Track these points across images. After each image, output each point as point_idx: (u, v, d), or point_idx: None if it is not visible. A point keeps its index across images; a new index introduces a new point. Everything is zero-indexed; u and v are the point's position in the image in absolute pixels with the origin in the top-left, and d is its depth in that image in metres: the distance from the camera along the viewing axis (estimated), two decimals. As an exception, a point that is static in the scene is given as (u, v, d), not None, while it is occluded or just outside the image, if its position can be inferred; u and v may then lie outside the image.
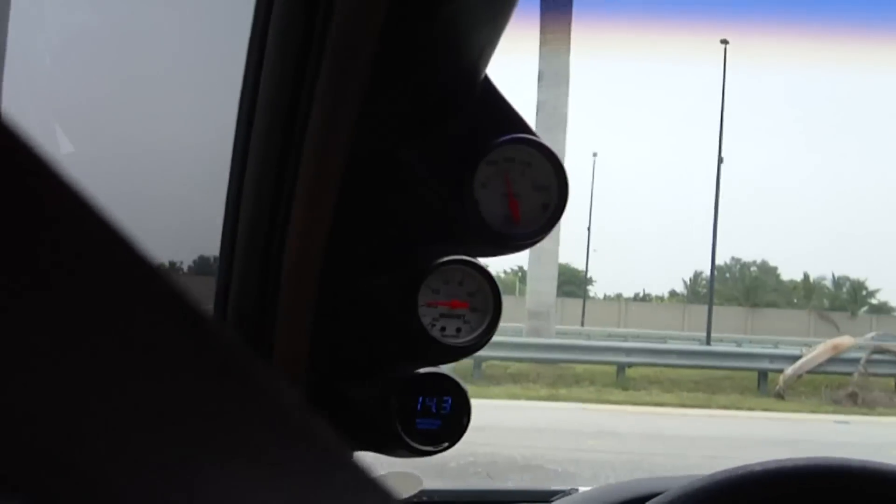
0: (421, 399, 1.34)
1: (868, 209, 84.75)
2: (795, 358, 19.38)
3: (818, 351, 19.34)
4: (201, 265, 1.51)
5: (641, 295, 71.87)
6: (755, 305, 64.02)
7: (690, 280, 70.26)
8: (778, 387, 18.46)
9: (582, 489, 1.86)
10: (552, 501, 1.89)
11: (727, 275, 72.90)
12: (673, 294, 72.20)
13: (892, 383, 18.88)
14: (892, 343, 20.44)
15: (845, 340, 20.37)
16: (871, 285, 68.24)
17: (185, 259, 1.67)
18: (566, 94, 20.96)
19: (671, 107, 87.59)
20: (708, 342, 29.20)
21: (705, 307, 34.74)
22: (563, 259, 36.11)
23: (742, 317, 57.60)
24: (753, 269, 74.94)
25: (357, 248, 1.33)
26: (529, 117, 1.40)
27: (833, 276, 70.17)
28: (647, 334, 32.94)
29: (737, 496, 1.38)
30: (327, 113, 1.11)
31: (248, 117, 1.28)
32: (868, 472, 1.41)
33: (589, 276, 62.75)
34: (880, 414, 16.39)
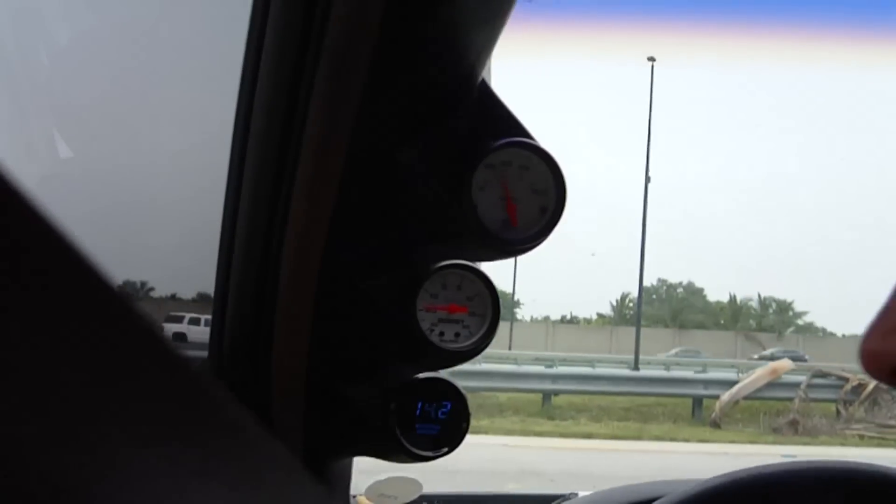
0: (420, 404, 1.35)
1: (793, 231, 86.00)
2: (731, 383, 18.90)
3: (756, 375, 18.78)
4: (200, 267, 1.49)
5: (569, 317, 72.54)
6: (682, 327, 64.89)
7: (618, 301, 71.13)
8: (714, 414, 17.87)
9: (582, 493, 1.86)
10: None
11: (654, 296, 73.98)
12: (600, 316, 72.93)
13: (834, 409, 18.24)
14: (833, 366, 20.00)
15: (784, 364, 20.00)
16: (797, 307, 69.86)
17: (183, 260, 1.65)
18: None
19: (599, 125, 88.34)
20: (636, 366, 28.85)
21: (633, 329, 34.94)
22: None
23: (670, 338, 58.28)
24: (680, 290, 76.04)
25: (355, 252, 1.32)
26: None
27: (759, 296, 71.59)
28: (574, 358, 32.84)
29: (737, 500, 1.38)
30: (325, 114, 1.11)
31: (246, 118, 1.28)
32: (873, 473, 1.41)
33: (516, 298, 63.23)
34: (824, 443, 15.81)
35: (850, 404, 17.90)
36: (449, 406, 1.36)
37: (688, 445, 14.83)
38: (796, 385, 18.41)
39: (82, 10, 1.95)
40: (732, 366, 32.63)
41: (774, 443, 15.43)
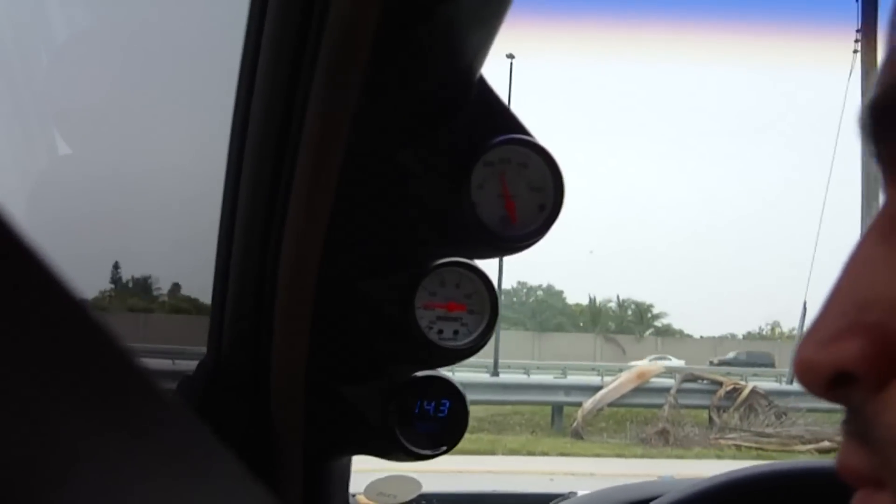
0: (419, 403, 1.35)
1: (650, 233, 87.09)
2: (595, 388, 17.28)
3: (622, 380, 17.26)
4: (198, 266, 1.48)
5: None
6: (543, 329, 65.13)
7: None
8: (575, 423, 16.43)
9: (581, 493, 1.87)
10: None
11: (514, 299, 74.27)
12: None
13: (706, 416, 16.91)
14: (704, 370, 19.45)
15: (651, 368, 18.83)
16: (656, 309, 71.10)
17: (182, 262, 1.64)
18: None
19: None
20: (495, 370, 27.12)
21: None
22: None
23: (529, 341, 58.27)
24: (539, 292, 76.35)
25: (354, 251, 1.33)
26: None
27: (618, 298, 72.42)
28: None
29: (734, 499, 1.39)
30: (323, 114, 1.10)
31: (244, 119, 1.28)
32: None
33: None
34: (698, 455, 14.42)
35: (724, 411, 16.87)
36: (448, 404, 1.37)
37: (545, 461, 13.09)
38: (665, 390, 17.23)
39: (81, 9, 1.95)
40: (593, 369, 32.63)
41: (643, 456, 14.26)
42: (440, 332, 1.31)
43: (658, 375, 18.05)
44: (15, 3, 1.90)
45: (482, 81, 1.21)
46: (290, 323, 1.26)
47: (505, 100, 1.23)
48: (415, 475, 1.81)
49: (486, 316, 1.33)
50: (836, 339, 0.48)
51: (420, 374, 1.37)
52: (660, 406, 16.73)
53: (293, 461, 1.35)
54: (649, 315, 71.10)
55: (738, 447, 15.10)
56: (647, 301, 71.79)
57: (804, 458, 13.42)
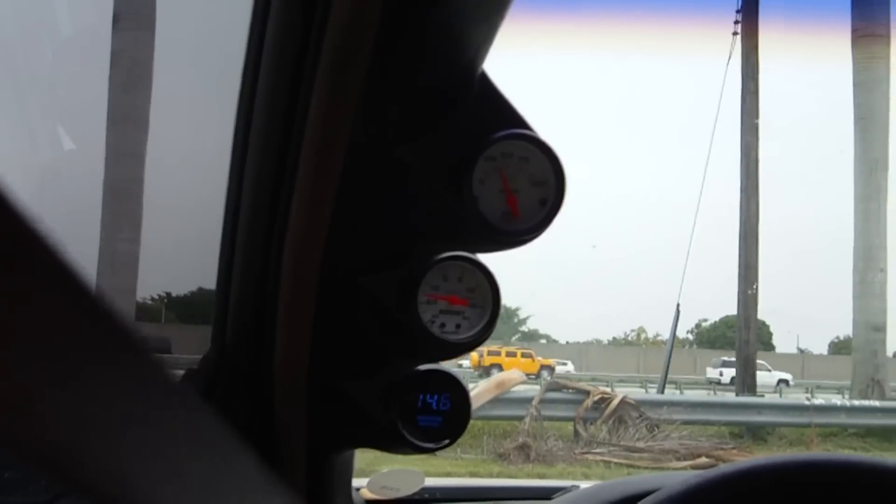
0: (422, 396, 1.36)
1: None
2: None
3: (479, 389, 15.44)
4: (201, 264, 1.49)
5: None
6: None
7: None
8: None
9: (583, 486, 1.88)
10: (553, 498, 1.88)
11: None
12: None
13: (571, 429, 15.43)
14: (570, 379, 18.29)
15: (513, 375, 16.89)
16: (522, 313, 70.79)
17: (185, 254, 1.64)
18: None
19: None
20: None
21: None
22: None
23: None
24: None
25: (357, 246, 1.32)
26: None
27: None
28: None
29: (734, 491, 1.38)
30: (326, 110, 1.10)
31: (247, 114, 1.28)
32: (866, 466, 1.42)
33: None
34: (561, 473, 12.65)
35: (592, 423, 15.31)
36: (450, 398, 1.38)
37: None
38: (527, 401, 15.54)
39: (86, 6, 1.90)
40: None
41: (500, 474, 12.62)
42: (442, 325, 1.30)
43: (520, 384, 16.53)
44: (20, 1, 1.90)
45: (484, 76, 1.21)
46: (293, 318, 1.27)
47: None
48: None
49: (488, 310, 1.33)
50: None
51: (422, 367, 1.38)
52: (520, 418, 15.18)
53: (296, 455, 1.35)
54: (515, 319, 70.83)
55: (607, 463, 13.59)
56: (513, 305, 70.89)
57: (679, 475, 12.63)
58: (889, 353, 25.47)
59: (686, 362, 49.05)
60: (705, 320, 77.67)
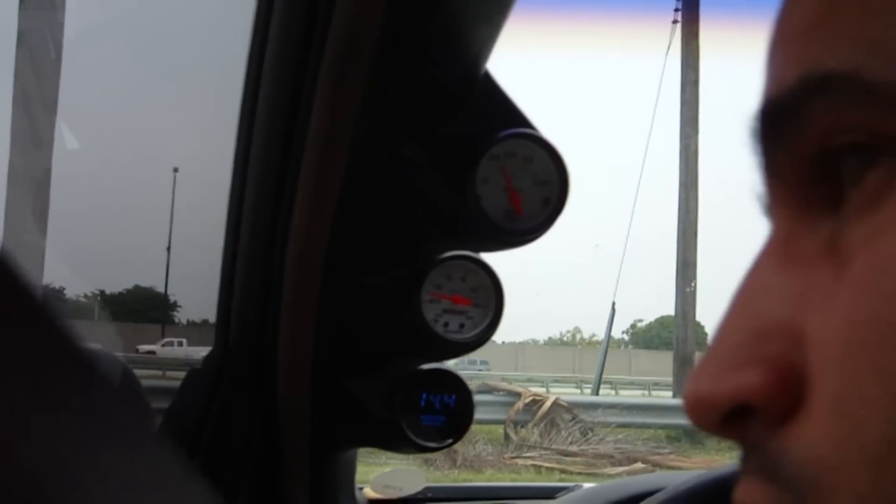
0: (425, 395, 1.36)
1: None
2: None
3: None
4: (204, 261, 1.50)
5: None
6: None
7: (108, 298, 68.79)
8: None
9: (586, 486, 1.88)
10: (557, 497, 1.89)
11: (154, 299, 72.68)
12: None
13: (501, 432, 14.68)
14: (499, 381, 17.28)
15: None
16: None
17: (188, 252, 1.64)
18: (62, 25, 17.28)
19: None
20: None
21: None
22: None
23: None
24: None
25: (360, 245, 1.33)
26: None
27: None
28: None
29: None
30: (329, 109, 1.10)
31: (251, 113, 1.28)
32: None
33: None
34: (491, 479, 11.75)
35: (523, 426, 14.56)
36: (453, 397, 1.38)
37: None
38: None
39: (90, 5, 1.90)
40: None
41: (426, 479, 10.94)
42: (446, 324, 1.31)
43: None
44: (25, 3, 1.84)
45: (487, 76, 1.21)
46: (297, 316, 1.27)
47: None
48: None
49: (491, 309, 1.34)
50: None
51: (425, 367, 1.38)
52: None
53: (300, 453, 1.35)
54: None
55: (538, 468, 12.86)
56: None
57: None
58: None
59: (622, 363, 49.18)
60: (641, 321, 77.33)
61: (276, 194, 1.25)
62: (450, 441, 1.39)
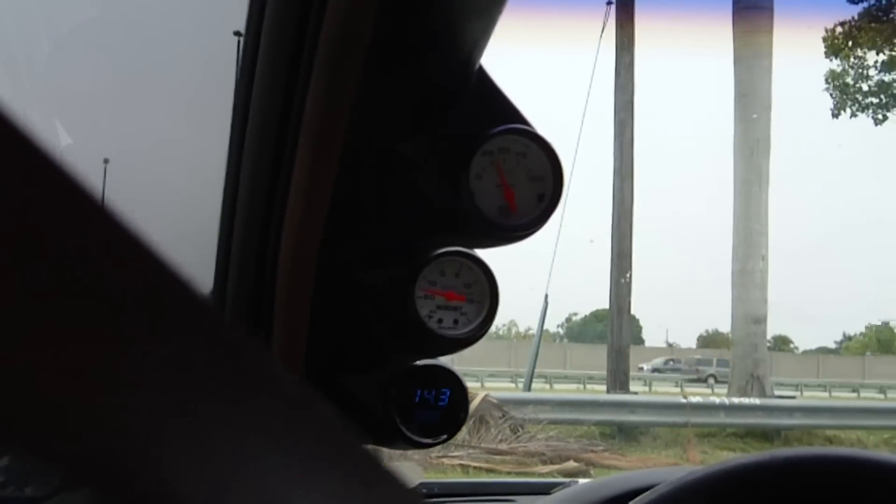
0: (419, 391, 1.36)
1: None
2: None
3: None
4: (197, 258, 1.48)
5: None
6: None
7: None
8: None
9: (581, 482, 1.88)
10: (552, 493, 1.87)
11: None
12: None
13: None
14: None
15: None
16: None
17: (181, 250, 1.64)
18: None
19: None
20: None
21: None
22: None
23: None
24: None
25: (354, 241, 1.32)
26: None
27: None
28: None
29: (734, 486, 1.39)
30: (322, 105, 1.10)
31: (244, 109, 1.28)
32: (866, 461, 1.42)
33: None
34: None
35: None
36: (448, 393, 1.38)
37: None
38: None
39: (83, 0, 1.93)
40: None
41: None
42: (440, 321, 1.30)
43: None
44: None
45: (481, 71, 1.21)
46: (290, 313, 1.27)
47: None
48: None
49: (485, 305, 1.33)
50: None
51: (420, 363, 1.38)
52: (371, 420, 13.88)
53: None
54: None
55: (465, 467, 12.59)
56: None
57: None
58: (768, 347, 24.12)
59: (557, 356, 49.26)
60: (576, 314, 77.29)
61: (269, 192, 1.25)
62: (444, 437, 1.39)
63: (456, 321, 1.32)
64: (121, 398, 0.37)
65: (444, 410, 1.38)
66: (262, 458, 0.43)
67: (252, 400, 0.42)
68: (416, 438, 1.36)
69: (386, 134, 1.24)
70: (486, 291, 1.34)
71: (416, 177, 1.26)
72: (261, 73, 1.23)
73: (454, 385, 1.39)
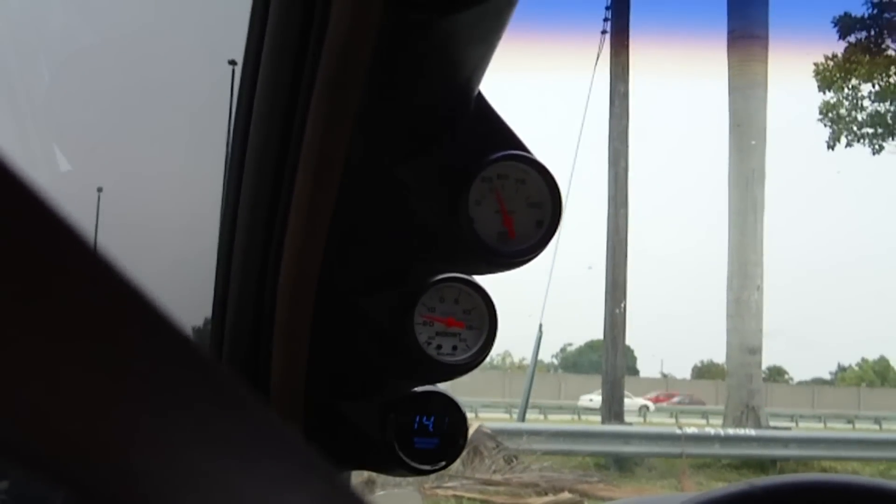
0: (418, 418, 1.35)
1: None
2: None
3: None
4: (196, 283, 1.48)
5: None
6: None
7: None
8: None
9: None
10: None
11: None
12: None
13: None
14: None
15: None
16: None
17: (181, 277, 1.68)
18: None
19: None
20: None
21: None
22: None
23: None
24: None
25: (353, 266, 1.33)
26: None
27: None
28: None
29: None
30: (322, 131, 1.10)
31: (243, 135, 1.27)
32: (867, 488, 1.44)
33: None
34: None
35: None
36: (447, 419, 1.37)
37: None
38: None
39: (82, 26, 1.98)
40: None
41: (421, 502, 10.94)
42: (439, 347, 1.30)
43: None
44: (17, 22, 1.92)
45: (480, 97, 1.21)
46: (289, 339, 1.26)
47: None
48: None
49: (484, 332, 1.33)
50: None
51: (418, 389, 1.37)
52: (366, 450, 13.69)
53: None
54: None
55: (459, 498, 12.84)
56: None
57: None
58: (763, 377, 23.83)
59: (551, 387, 49.15)
60: (570, 344, 76.90)
61: (268, 216, 1.24)
62: (443, 464, 1.38)
63: (455, 347, 1.32)
64: (95, 419, 0.38)
65: (443, 437, 1.37)
66: (228, 479, 0.44)
67: (219, 421, 0.43)
68: (415, 465, 1.35)
69: (385, 159, 1.24)
70: (484, 318, 1.33)
71: (414, 202, 1.26)
72: (260, 99, 1.23)
73: (453, 412, 1.38)
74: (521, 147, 1.23)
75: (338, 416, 1.40)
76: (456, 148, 1.21)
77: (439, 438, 1.37)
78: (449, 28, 1.07)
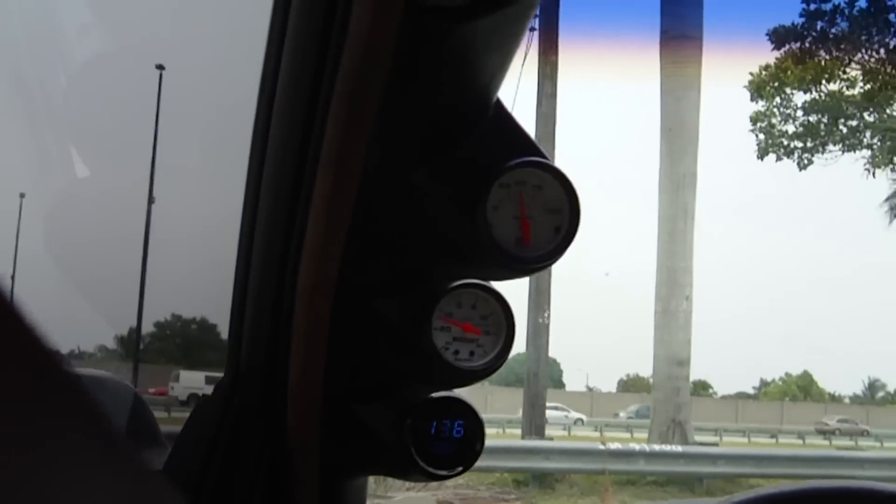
0: (435, 423, 1.35)
1: None
2: None
3: None
4: (216, 286, 1.47)
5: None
6: (191, 366, 67.84)
7: (124, 337, 71.18)
8: None
9: None
10: None
11: (168, 332, 75.07)
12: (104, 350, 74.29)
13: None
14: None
15: None
16: None
17: (199, 279, 1.84)
18: None
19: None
20: None
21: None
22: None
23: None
24: (194, 326, 77.45)
25: (371, 271, 1.32)
26: None
27: None
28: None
29: None
30: (341, 136, 1.09)
31: (263, 140, 1.28)
32: (864, 493, 1.48)
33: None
34: None
35: None
36: (464, 425, 1.37)
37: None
38: None
39: (99, 32, 1.98)
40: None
41: None
42: (456, 352, 1.29)
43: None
44: (34, 27, 1.93)
45: (499, 103, 1.20)
46: (307, 342, 1.26)
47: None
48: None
49: (501, 337, 1.31)
50: None
51: (436, 394, 1.36)
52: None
53: (310, 480, 1.35)
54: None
55: None
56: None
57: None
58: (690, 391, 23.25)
59: (478, 400, 49.61)
60: (500, 357, 79.00)
61: (288, 220, 1.24)
62: (460, 469, 1.37)
63: (472, 353, 1.30)
64: None
65: (460, 442, 1.36)
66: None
67: (64, 443, 0.44)
68: (432, 470, 1.34)
69: (404, 165, 1.22)
70: (502, 324, 1.32)
71: (432, 207, 1.24)
72: (280, 105, 1.23)
73: (469, 416, 1.37)
74: (539, 153, 1.21)
75: (355, 420, 1.40)
76: (474, 153, 1.19)
77: (456, 444, 1.36)
78: (468, 34, 1.05)
